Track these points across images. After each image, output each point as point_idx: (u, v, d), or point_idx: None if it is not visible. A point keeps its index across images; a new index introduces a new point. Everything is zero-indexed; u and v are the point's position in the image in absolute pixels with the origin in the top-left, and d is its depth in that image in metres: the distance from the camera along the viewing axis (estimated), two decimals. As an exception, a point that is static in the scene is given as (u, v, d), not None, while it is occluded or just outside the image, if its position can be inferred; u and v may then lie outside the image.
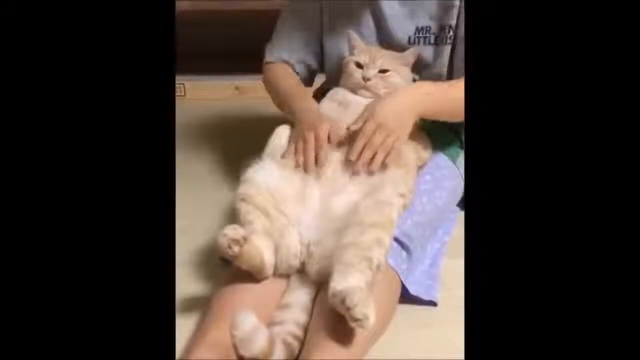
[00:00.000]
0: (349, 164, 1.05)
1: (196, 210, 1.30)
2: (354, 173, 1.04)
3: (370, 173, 1.03)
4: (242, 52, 1.42)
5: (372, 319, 0.82)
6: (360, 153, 1.03)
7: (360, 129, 1.05)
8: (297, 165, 1.05)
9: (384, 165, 1.04)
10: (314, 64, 1.32)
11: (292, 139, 1.10)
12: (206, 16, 2.15)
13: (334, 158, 1.06)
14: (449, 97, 1.11)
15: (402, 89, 1.11)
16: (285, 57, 1.30)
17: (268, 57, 1.32)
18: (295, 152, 1.07)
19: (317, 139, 1.05)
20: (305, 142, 1.06)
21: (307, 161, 1.04)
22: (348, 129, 1.07)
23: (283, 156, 1.07)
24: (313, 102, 1.19)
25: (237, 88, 2.02)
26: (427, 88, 1.12)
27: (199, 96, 2.00)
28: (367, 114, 1.06)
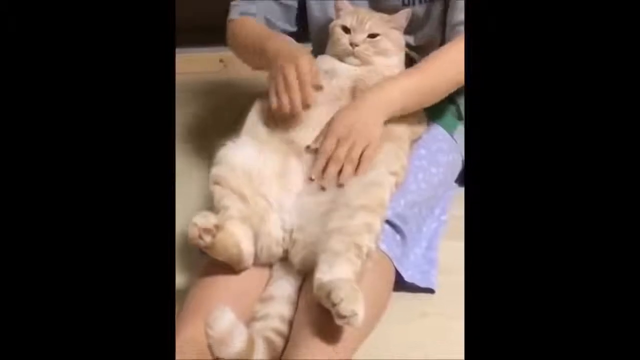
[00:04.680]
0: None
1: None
2: (320, 189, 0.92)
3: (340, 187, 0.91)
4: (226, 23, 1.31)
5: (360, 316, 0.74)
6: (324, 170, 0.92)
7: (320, 147, 0.94)
8: (280, 109, 0.94)
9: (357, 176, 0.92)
10: (286, 28, 1.20)
11: (269, 76, 0.98)
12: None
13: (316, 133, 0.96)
14: (423, 85, 1.00)
15: (367, 92, 0.98)
16: (253, 13, 1.17)
17: (232, 15, 1.18)
18: (277, 93, 0.95)
19: (299, 72, 0.94)
20: (285, 77, 0.94)
21: (293, 101, 0.93)
22: (308, 147, 0.95)
23: (271, 104, 0.96)
24: (287, 38, 1.07)
25: (221, 60, 1.92)
26: (397, 85, 0.98)
27: (181, 69, 1.89)
28: (324, 130, 0.95)
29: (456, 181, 1.17)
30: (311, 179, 0.92)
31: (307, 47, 1.28)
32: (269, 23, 1.18)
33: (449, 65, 1.00)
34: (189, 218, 1.09)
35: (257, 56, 1.08)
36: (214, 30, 1.80)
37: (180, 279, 1.00)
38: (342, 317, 0.74)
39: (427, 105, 1.05)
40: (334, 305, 0.74)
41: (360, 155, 0.93)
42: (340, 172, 0.92)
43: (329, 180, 0.92)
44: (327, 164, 0.92)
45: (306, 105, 0.94)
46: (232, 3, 1.20)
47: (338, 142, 0.93)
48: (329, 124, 0.96)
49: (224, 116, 1.59)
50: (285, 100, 0.94)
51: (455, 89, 1.04)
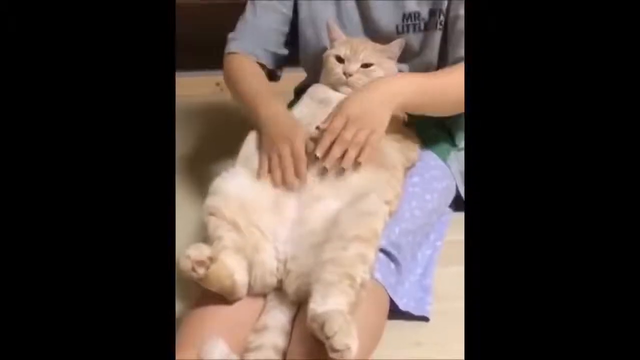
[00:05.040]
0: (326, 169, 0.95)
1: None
2: (321, 172, 0.94)
3: (341, 172, 0.93)
4: (223, 45, 1.31)
5: (354, 350, 0.74)
6: (329, 149, 0.94)
7: (328, 125, 0.95)
8: (275, 184, 0.94)
9: (357, 164, 0.94)
10: (282, 53, 1.21)
11: (263, 152, 0.99)
12: (184, 8, 2.05)
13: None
14: (434, 89, 1.02)
15: (379, 80, 1.01)
16: (250, 48, 1.18)
17: (230, 48, 1.20)
18: (270, 170, 0.96)
19: (294, 150, 0.95)
20: (280, 155, 0.95)
21: (287, 178, 0.94)
22: (318, 128, 0.97)
23: (258, 176, 0.96)
24: (281, 106, 1.07)
25: (218, 84, 1.91)
26: (408, 80, 1.02)
27: (178, 92, 1.89)
28: (336, 109, 0.97)
29: (450, 206, 1.16)
30: (316, 157, 0.93)
31: (298, 72, 1.29)
32: (265, 52, 1.18)
33: (457, 79, 0.99)
34: (184, 242, 1.09)
35: (250, 115, 1.07)
36: (211, 54, 1.81)
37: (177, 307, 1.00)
38: (336, 350, 0.73)
39: (432, 111, 1.06)
40: (327, 338, 0.74)
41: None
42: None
43: (331, 161, 0.93)
44: (333, 143, 0.93)
45: (301, 180, 0.94)
46: (230, 36, 1.21)
47: (347, 123, 0.94)
48: (340, 105, 0.97)
49: (220, 140, 1.58)
50: (277, 177, 0.95)
51: (460, 108, 1.04)
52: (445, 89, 1.02)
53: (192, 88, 1.91)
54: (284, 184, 0.94)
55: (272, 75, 1.22)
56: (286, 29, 1.20)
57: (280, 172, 0.94)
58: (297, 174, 0.94)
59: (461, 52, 1.06)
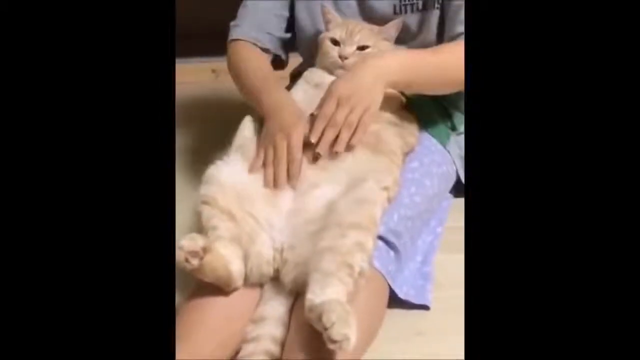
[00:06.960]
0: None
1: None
2: (315, 158, 0.92)
3: (334, 156, 0.92)
4: (219, 31, 1.28)
5: (352, 340, 0.72)
6: (322, 134, 0.92)
7: (320, 110, 0.93)
8: (266, 182, 0.91)
9: (350, 146, 0.93)
10: (285, 37, 1.19)
11: (260, 143, 0.96)
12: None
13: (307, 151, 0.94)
14: (429, 66, 1.00)
15: (371, 56, 0.99)
16: (253, 33, 1.15)
17: (232, 35, 1.16)
18: (264, 164, 0.93)
19: (289, 146, 0.92)
20: (275, 149, 0.92)
21: (278, 175, 0.91)
22: (312, 115, 0.95)
23: (250, 168, 0.94)
24: (284, 94, 1.03)
25: (213, 71, 1.90)
26: (402, 56, 1.00)
27: (173, 80, 1.87)
28: (327, 92, 0.95)
29: (450, 192, 1.15)
30: (312, 143, 0.92)
31: (294, 56, 1.27)
32: (270, 37, 1.16)
33: (455, 57, 0.97)
34: (179, 232, 1.08)
35: (253, 102, 1.05)
36: (206, 40, 1.78)
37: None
38: (334, 341, 0.72)
39: (428, 89, 1.03)
40: (325, 328, 0.72)
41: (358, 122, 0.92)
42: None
43: (324, 147, 0.91)
44: (325, 128, 0.92)
45: (292, 179, 0.91)
46: (232, 24, 1.18)
47: (338, 105, 0.92)
48: (330, 87, 0.95)
49: (215, 127, 1.55)
50: (269, 174, 0.92)
51: (458, 86, 1.02)
52: (442, 66, 1.00)
53: (188, 75, 1.88)
54: (275, 183, 0.91)
55: (278, 61, 1.20)
56: (286, 13, 1.17)
57: (272, 169, 0.92)
58: (289, 172, 0.91)
59: (458, 28, 1.03)
